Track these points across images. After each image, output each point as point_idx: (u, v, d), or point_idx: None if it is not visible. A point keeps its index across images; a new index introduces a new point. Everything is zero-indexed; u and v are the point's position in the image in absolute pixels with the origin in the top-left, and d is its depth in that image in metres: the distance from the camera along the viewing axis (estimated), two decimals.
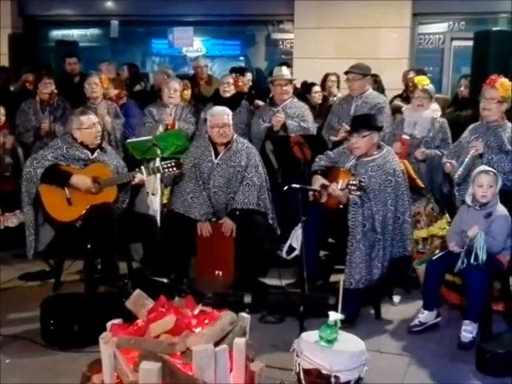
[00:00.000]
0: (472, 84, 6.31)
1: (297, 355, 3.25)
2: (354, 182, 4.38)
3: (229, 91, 6.30)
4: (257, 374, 3.11)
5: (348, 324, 3.84)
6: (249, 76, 7.70)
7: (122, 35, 11.23)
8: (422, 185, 5.14)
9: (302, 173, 5.57)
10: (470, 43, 6.69)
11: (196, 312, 3.22)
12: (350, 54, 7.97)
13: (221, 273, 5.11)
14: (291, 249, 4.81)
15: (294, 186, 4.42)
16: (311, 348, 3.19)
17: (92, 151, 5.00)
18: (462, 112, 6.35)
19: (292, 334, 3.72)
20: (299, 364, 3.22)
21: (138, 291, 3.31)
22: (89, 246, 4.81)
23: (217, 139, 5.18)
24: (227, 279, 5.05)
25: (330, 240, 4.95)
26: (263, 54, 11.57)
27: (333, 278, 4.99)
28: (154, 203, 5.53)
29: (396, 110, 6.25)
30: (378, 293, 4.74)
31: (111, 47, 11.82)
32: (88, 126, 4.96)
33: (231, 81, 6.38)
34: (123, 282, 4.90)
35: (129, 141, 5.86)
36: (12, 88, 7.60)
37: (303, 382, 3.20)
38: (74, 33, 11.94)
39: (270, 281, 5.16)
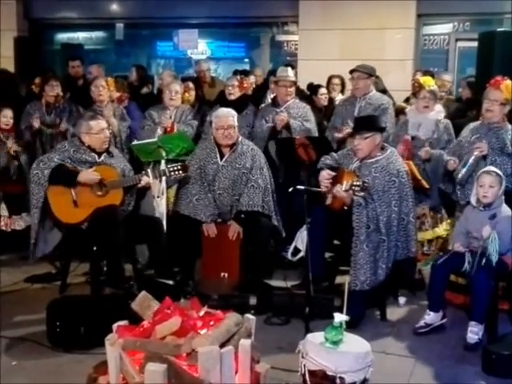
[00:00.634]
0: (476, 85, 6.30)
1: (302, 356, 3.25)
2: (358, 183, 4.39)
3: (234, 93, 6.31)
4: (262, 376, 3.12)
5: (353, 327, 3.83)
6: (252, 78, 7.72)
7: (127, 38, 11.25)
8: (426, 186, 5.13)
9: (306, 174, 5.58)
10: (475, 44, 6.67)
11: (201, 314, 3.23)
12: (355, 56, 7.96)
13: (226, 275, 5.11)
14: (296, 250, 4.82)
15: (298, 187, 4.44)
16: (316, 349, 3.19)
17: (99, 155, 5.02)
18: (466, 112, 6.34)
19: (297, 336, 3.72)
20: (304, 365, 3.22)
21: (143, 293, 3.32)
22: (95, 248, 4.82)
23: (222, 141, 5.18)
24: (232, 281, 5.05)
25: (336, 242, 4.95)
26: (268, 56, 11.58)
27: (338, 279, 5.01)
28: (160, 206, 5.53)
29: (399, 112, 6.24)
30: (383, 294, 4.73)
31: (116, 50, 11.85)
32: (97, 131, 4.98)
33: (236, 83, 6.39)
34: (129, 284, 4.92)
35: (134, 143, 5.87)
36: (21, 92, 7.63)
37: (308, 383, 3.20)
38: (80, 35, 11.97)
39: (275, 282, 5.17)
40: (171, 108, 6.06)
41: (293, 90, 6.08)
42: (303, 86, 7.60)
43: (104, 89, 6.27)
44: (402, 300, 4.97)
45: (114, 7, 10.81)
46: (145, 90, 7.75)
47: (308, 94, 7.32)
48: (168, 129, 5.94)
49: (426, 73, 7.22)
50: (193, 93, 6.82)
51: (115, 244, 4.76)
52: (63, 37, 11.94)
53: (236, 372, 3.01)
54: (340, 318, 3.21)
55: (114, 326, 3.16)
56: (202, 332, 3.03)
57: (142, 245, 5.17)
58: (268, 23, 10.91)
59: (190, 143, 5.76)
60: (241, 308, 3.88)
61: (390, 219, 4.53)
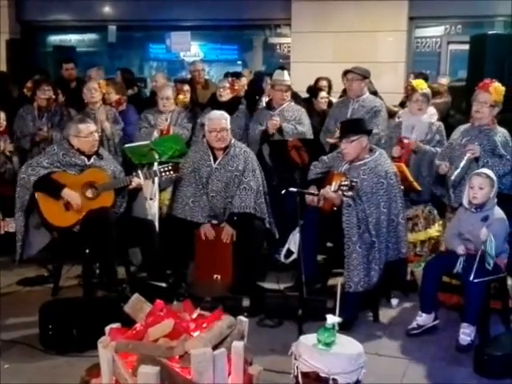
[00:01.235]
0: (468, 87, 6.32)
1: (295, 358, 3.25)
2: (346, 183, 4.40)
3: (225, 95, 6.32)
4: (255, 378, 3.12)
5: (346, 329, 3.83)
6: (244, 80, 7.72)
7: (119, 40, 11.25)
8: (418, 188, 5.14)
9: (299, 177, 5.58)
10: (467, 47, 6.69)
11: (194, 316, 3.23)
12: (347, 58, 7.99)
13: (219, 277, 5.11)
14: (289, 252, 4.82)
15: (291, 189, 4.44)
16: (309, 351, 3.19)
17: (88, 157, 5.01)
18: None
19: (290, 338, 3.72)
20: (297, 367, 3.22)
21: (136, 295, 3.32)
22: (87, 250, 4.82)
23: (215, 144, 5.19)
24: (225, 283, 5.05)
25: (328, 244, 4.96)
26: (260, 59, 11.62)
27: (331, 281, 5.01)
28: (153, 208, 5.53)
29: (390, 115, 6.25)
30: (376, 296, 4.74)
31: (109, 52, 11.85)
32: (86, 134, 4.95)
33: (227, 85, 6.39)
34: (121, 286, 4.90)
35: (127, 146, 5.86)
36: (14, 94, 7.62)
37: None
38: (72, 38, 11.97)
39: (268, 284, 5.18)
40: (166, 112, 6.08)
41: (289, 94, 6.09)
42: (296, 88, 7.60)
43: (96, 91, 6.25)
44: (394, 301, 4.98)
45: (107, 9, 10.81)
46: (130, 91, 7.74)
47: (307, 97, 7.30)
48: (164, 131, 5.95)
49: (419, 75, 7.24)
50: (188, 95, 6.82)
51: (108, 246, 4.75)
52: (55, 39, 11.94)
53: (229, 374, 3.01)
54: (333, 319, 3.21)
55: (107, 328, 3.16)
56: (195, 334, 3.04)
57: (134, 247, 5.16)
58: (261, 25, 10.94)
59: (183, 145, 5.77)
60: (234, 310, 3.89)
61: (379, 221, 4.54)
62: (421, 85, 5.53)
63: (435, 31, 9.82)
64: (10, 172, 5.99)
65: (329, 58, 8.88)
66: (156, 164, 5.47)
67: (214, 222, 5.22)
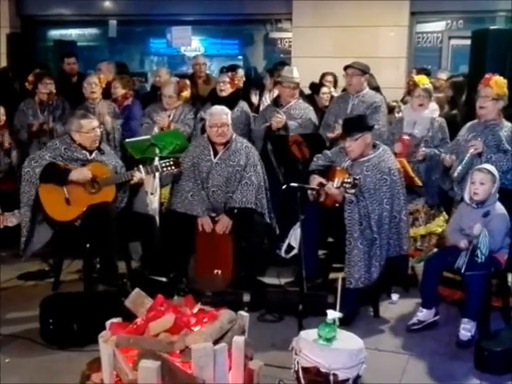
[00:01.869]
0: (470, 83, 6.31)
1: (295, 353, 3.26)
2: (349, 180, 4.40)
3: (225, 90, 6.31)
4: (256, 373, 3.12)
5: (346, 324, 3.83)
6: (241, 72, 7.69)
7: (120, 35, 11.22)
8: (419, 183, 5.14)
9: (300, 172, 5.57)
10: (468, 42, 6.67)
11: (195, 311, 3.23)
12: (348, 53, 7.95)
13: (220, 271, 5.10)
14: (290, 248, 4.82)
15: (292, 184, 4.44)
16: (310, 346, 3.20)
17: (90, 152, 5.01)
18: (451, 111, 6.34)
19: (291, 333, 3.73)
20: (298, 362, 3.23)
21: (136, 290, 3.32)
22: (88, 245, 4.81)
23: (215, 139, 5.18)
24: (226, 278, 5.04)
25: (329, 239, 4.96)
26: (261, 53, 11.58)
27: (331, 276, 5.01)
28: (153, 203, 5.53)
29: (389, 110, 6.23)
30: (377, 291, 4.75)
31: (109, 47, 11.82)
32: (87, 130, 4.95)
33: (227, 79, 6.38)
34: (122, 281, 4.91)
35: (127, 140, 5.85)
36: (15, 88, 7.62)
37: (302, 380, 3.21)
38: (72, 32, 11.94)
39: (268, 279, 5.18)
40: (170, 109, 6.07)
41: (297, 91, 6.05)
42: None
43: (96, 86, 6.26)
44: (394, 297, 4.99)
45: (107, 4, 10.77)
46: None
47: (309, 94, 7.26)
48: (165, 127, 5.94)
49: (421, 71, 7.21)
50: (189, 89, 6.80)
51: (108, 241, 4.76)
52: (56, 33, 11.90)
53: (229, 369, 3.02)
54: (333, 315, 3.22)
55: (108, 323, 3.16)
56: (196, 329, 3.04)
57: (135, 242, 5.16)
58: (262, 20, 10.89)
59: (184, 140, 5.76)
60: (234, 305, 3.89)
61: (381, 217, 4.54)
62: (423, 80, 5.52)
63: (436, 26, 9.78)
64: (5, 166, 6.00)
65: (330, 53, 8.85)
66: (157, 159, 5.46)
67: (213, 215, 5.19)
